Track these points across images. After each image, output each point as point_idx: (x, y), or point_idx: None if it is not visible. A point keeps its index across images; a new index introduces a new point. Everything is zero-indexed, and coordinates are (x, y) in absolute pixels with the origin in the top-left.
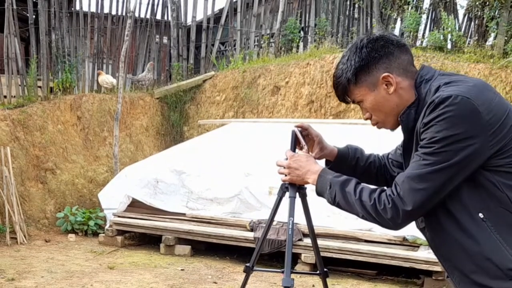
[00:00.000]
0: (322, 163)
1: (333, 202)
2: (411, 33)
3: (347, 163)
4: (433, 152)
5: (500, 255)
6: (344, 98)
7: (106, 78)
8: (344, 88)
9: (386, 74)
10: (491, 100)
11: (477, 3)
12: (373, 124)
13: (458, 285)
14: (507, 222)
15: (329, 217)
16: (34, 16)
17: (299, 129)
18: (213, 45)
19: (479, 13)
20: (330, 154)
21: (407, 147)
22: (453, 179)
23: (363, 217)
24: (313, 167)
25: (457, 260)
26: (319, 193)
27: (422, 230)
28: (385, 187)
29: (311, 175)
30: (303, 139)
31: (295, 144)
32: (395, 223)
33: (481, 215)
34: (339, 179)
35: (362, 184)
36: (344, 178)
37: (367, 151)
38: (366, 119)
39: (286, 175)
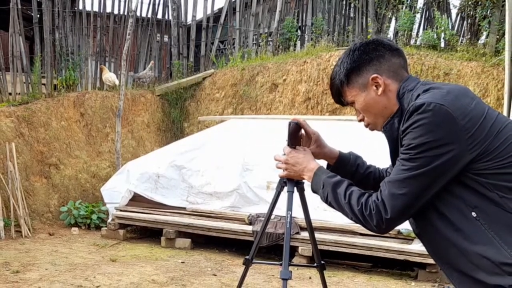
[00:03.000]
0: (323, 163)
1: (326, 201)
2: (406, 32)
3: (347, 168)
4: (410, 158)
5: (496, 251)
6: (338, 99)
7: (109, 77)
8: (337, 89)
9: (375, 75)
10: (467, 105)
11: (470, 2)
12: (365, 126)
13: (458, 285)
14: (500, 218)
15: (325, 211)
16: (38, 16)
17: (295, 121)
18: (212, 43)
19: (471, 12)
20: (330, 154)
21: (394, 157)
22: (432, 184)
23: (352, 219)
24: (309, 164)
25: (455, 261)
26: (314, 190)
27: (418, 235)
28: (373, 191)
29: (307, 172)
30: (295, 135)
31: (292, 137)
32: (380, 229)
33: (474, 214)
34: (332, 179)
35: (353, 186)
36: (337, 179)
37: (362, 147)
38: (360, 121)
39: (283, 171)
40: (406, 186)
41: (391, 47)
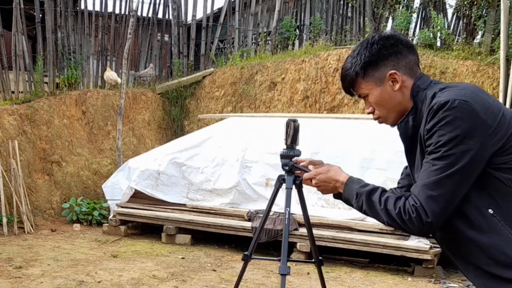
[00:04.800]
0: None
1: (360, 210)
2: (402, 31)
3: None
4: (442, 156)
5: None
6: (349, 90)
7: (110, 75)
8: (351, 81)
9: (393, 71)
10: (486, 101)
11: (465, 2)
12: (375, 119)
13: (473, 279)
14: None
15: (323, 207)
16: (41, 15)
17: (293, 119)
18: (212, 42)
19: (467, 12)
20: None
21: (409, 155)
22: (465, 181)
23: (389, 225)
24: (339, 177)
25: (471, 257)
26: (347, 200)
27: None
28: (408, 194)
29: (340, 185)
30: (292, 134)
31: (290, 136)
32: (422, 232)
33: (490, 211)
34: (365, 189)
35: (387, 192)
36: (370, 188)
37: (360, 145)
38: (369, 113)
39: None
40: (442, 186)
41: (408, 44)
